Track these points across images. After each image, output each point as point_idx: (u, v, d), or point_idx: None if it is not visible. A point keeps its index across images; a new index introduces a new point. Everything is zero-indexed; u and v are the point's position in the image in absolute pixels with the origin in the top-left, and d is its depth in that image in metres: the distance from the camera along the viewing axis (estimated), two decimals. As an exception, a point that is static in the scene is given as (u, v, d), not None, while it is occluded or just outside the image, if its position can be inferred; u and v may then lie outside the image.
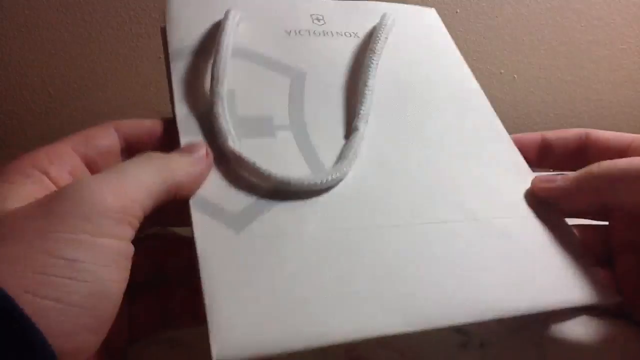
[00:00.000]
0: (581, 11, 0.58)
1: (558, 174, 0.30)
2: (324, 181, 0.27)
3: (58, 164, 0.24)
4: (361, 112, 0.30)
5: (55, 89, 0.64)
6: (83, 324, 0.19)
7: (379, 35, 0.34)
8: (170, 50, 0.31)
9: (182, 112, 0.29)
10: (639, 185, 0.26)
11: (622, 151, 0.30)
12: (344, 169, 0.28)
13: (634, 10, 0.58)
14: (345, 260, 0.25)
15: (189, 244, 0.25)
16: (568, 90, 0.61)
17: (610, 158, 0.30)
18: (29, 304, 0.18)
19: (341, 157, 0.29)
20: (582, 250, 0.28)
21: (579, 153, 0.32)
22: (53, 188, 0.23)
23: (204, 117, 0.29)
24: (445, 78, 0.35)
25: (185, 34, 0.32)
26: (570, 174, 0.29)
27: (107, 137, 0.26)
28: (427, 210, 0.28)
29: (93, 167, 0.26)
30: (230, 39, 0.31)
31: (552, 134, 0.33)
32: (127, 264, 0.21)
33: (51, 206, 0.20)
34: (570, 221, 0.30)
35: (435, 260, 0.25)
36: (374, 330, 0.23)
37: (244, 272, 0.23)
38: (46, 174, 0.23)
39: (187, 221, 0.25)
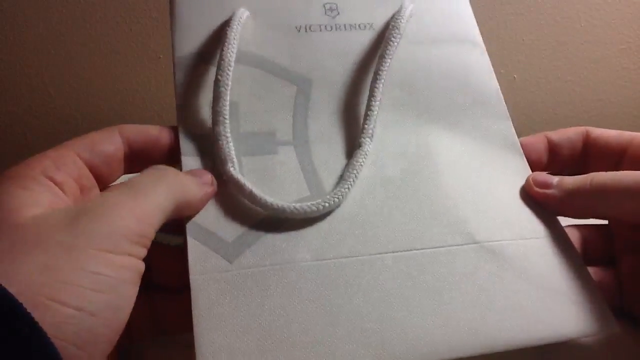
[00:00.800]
0: (581, 11, 0.58)
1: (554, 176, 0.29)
2: (320, 208, 0.27)
3: (64, 170, 0.24)
4: (366, 127, 0.29)
5: (55, 89, 0.63)
6: (99, 333, 0.20)
7: (392, 36, 0.31)
8: (175, 55, 0.30)
9: (184, 130, 0.28)
10: (630, 200, 0.26)
11: (621, 150, 0.30)
12: (342, 194, 0.27)
13: (634, 10, 0.58)
14: (332, 295, 0.25)
15: (181, 250, 0.26)
16: (568, 90, 0.61)
17: (610, 157, 0.30)
18: (52, 310, 0.18)
19: (341, 179, 0.28)
20: (585, 274, 0.27)
21: (583, 152, 0.32)
22: (63, 196, 0.24)
23: (205, 136, 0.28)
24: (465, 76, 0.33)
25: (190, 36, 0.31)
26: (565, 182, 0.28)
27: (111, 143, 0.26)
28: (424, 234, 0.27)
29: (97, 173, 0.26)
30: (234, 49, 0.29)
31: (555, 135, 0.32)
32: (138, 280, 0.22)
33: (78, 222, 0.21)
34: (573, 220, 0.30)
35: (425, 292, 0.25)
36: None
37: (234, 306, 0.24)
38: (53, 180, 0.24)
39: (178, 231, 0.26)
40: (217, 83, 0.28)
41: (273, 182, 0.28)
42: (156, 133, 0.28)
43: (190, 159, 0.28)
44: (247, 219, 0.26)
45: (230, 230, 0.26)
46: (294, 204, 0.26)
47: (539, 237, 0.27)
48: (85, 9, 0.61)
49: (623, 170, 0.29)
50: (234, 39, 0.30)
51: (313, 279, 0.25)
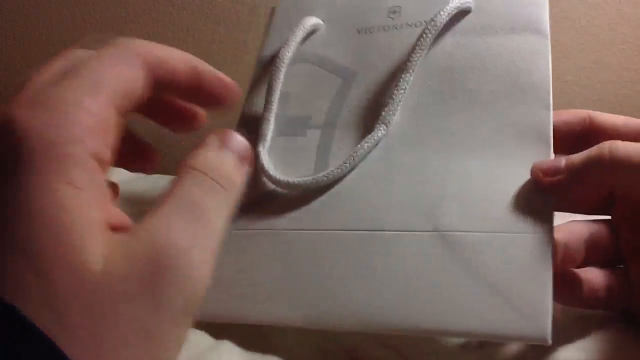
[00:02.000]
0: (581, 11, 0.58)
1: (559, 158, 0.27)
2: (308, 183, 0.29)
3: (108, 141, 0.18)
4: (382, 114, 0.30)
5: (55, 89, 0.63)
6: None
7: (426, 29, 0.32)
8: (257, 59, 0.36)
9: (245, 112, 0.34)
10: None
11: (632, 138, 0.28)
12: (333, 173, 0.29)
13: (634, 10, 0.58)
14: (293, 261, 0.27)
15: None
16: (568, 90, 0.61)
17: None
18: None
19: (345, 160, 0.30)
20: (546, 282, 0.24)
21: (584, 139, 0.30)
22: (106, 191, 0.19)
23: (258, 118, 0.33)
24: (514, 63, 0.31)
25: (273, 45, 0.36)
26: (574, 158, 0.26)
27: (139, 81, 0.21)
28: (392, 216, 0.28)
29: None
30: (290, 50, 0.34)
31: (555, 117, 0.29)
32: None
33: (155, 291, 0.17)
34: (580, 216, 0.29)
35: (366, 271, 0.26)
36: (274, 320, 0.26)
37: None
38: (99, 161, 0.18)
39: None
40: (270, 76, 0.33)
41: (290, 161, 0.31)
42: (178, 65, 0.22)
43: (240, 131, 0.32)
44: (251, 191, 0.29)
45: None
46: (285, 178, 0.29)
47: (512, 233, 0.26)
48: (85, 9, 0.61)
49: None
50: (293, 41, 0.34)
51: (282, 246, 0.28)
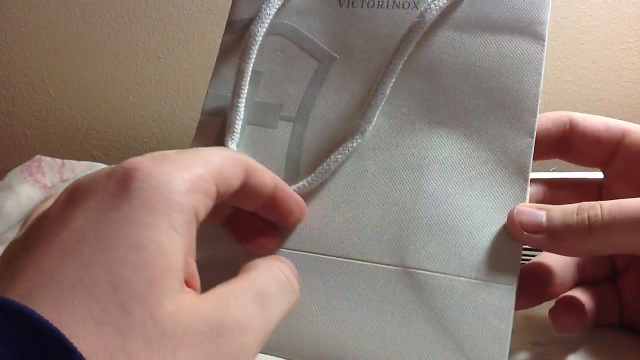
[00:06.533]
0: (581, 11, 0.58)
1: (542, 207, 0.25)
2: None
3: (204, 203, 0.20)
4: (359, 122, 0.28)
5: (55, 89, 0.64)
6: None
7: (416, 24, 0.29)
8: (228, 18, 0.33)
9: (212, 89, 0.32)
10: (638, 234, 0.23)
11: (613, 146, 0.28)
12: (302, 188, 0.27)
13: (634, 10, 0.58)
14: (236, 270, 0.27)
15: None
16: (568, 90, 0.61)
17: (600, 154, 0.28)
18: None
19: (316, 172, 0.28)
20: (505, 336, 0.24)
21: (563, 143, 0.29)
22: (194, 247, 0.20)
23: (226, 99, 0.31)
24: (503, 76, 0.28)
25: (244, 10, 0.33)
26: (556, 217, 0.25)
27: (238, 179, 0.23)
28: (359, 244, 0.27)
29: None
30: (264, 25, 0.31)
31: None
32: None
33: (209, 354, 0.18)
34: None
35: (322, 297, 0.26)
36: None
37: None
38: (197, 219, 0.20)
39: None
40: (240, 56, 0.31)
41: (259, 158, 0.29)
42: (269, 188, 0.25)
43: (207, 117, 0.31)
44: None
45: None
46: None
47: (477, 280, 0.25)
48: (85, 9, 0.61)
49: (615, 167, 0.28)
50: (267, 13, 0.31)
51: (238, 262, 0.26)
